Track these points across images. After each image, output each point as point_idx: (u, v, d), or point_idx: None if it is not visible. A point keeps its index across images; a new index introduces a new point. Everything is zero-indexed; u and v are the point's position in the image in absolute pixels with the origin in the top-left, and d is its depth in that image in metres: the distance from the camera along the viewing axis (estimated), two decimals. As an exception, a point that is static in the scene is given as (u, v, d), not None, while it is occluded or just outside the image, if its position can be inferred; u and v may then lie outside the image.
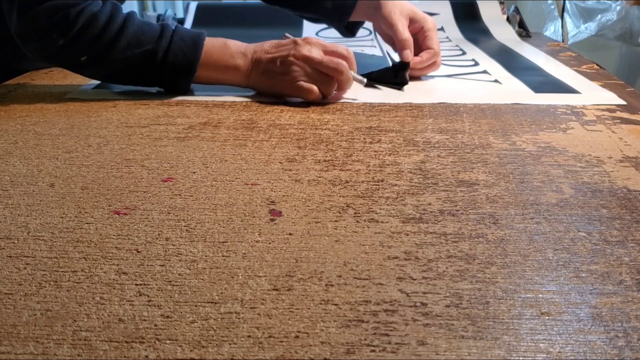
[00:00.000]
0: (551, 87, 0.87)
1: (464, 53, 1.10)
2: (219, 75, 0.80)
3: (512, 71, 0.96)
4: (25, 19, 0.74)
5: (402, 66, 0.86)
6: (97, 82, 0.89)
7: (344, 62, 0.77)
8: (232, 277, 0.40)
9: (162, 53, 0.76)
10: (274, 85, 0.79)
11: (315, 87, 0.77)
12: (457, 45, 1.17)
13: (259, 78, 0.80)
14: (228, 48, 0.80)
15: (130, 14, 0.77)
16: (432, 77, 0.93)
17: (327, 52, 0.78)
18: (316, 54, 0.77)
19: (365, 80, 0.82)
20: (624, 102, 0.78)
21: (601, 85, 0.87)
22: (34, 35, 0.75)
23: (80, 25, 0.74)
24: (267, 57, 0.79)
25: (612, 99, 0.80)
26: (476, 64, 1.02)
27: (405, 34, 0.88)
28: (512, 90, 0.85)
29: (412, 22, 0.92)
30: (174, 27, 0.78)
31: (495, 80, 0.90)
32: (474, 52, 1.11)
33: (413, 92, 0.84)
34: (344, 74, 0.77)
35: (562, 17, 2.07)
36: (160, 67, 0.77)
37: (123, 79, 0.81)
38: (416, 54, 0.89)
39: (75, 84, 0.88)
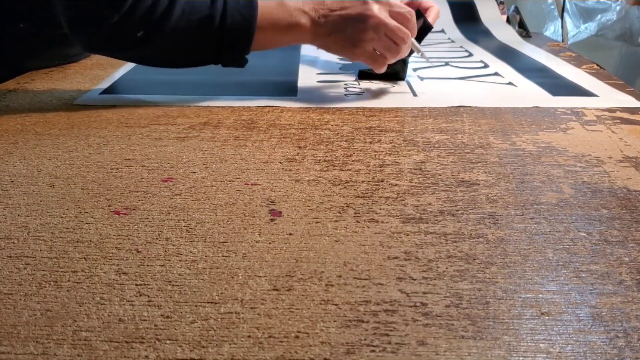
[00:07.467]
0: (568, 90, 0.85)
1: (470, 55, 1.08)
2: (281, 36, 0.77)
3: (523, 73, 0.94)
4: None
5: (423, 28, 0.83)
6: (103, 87, 0.87)
7: (408, 31, 0.75)
8: (232, 277, 0.40)
9: (219, 17, 0.72)
10: (344, 47, 0.76)
11: (386, 58, 0.76)
12: (461, 47, 1.15)
13: (327, 38, 0.76)
14: (284, 6, 0.75)
15: None
16: (446, 79, 0.91)
17: (393, 13, 0.75)
18: (386, 17, 0.74)
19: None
20: None
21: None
22: (85, 17, 0.71)
23: None
24: (333, 15, 0.75)
25: (629, 102, 0.79)
26: (486, 65, 1.00)
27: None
28: (530, 94, 0.83)
29: None
30: None
31: (510, 83, 0.89)
32: (480, 53, 1.09)
33: (429, 96, 0.82)
34: (407, 43, 0.75)
35: (562, 17, 2.07)
36: (219, 33, 0.73)
37: (179, 55, 0.77)
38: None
39: (75, 85, 0.88)
